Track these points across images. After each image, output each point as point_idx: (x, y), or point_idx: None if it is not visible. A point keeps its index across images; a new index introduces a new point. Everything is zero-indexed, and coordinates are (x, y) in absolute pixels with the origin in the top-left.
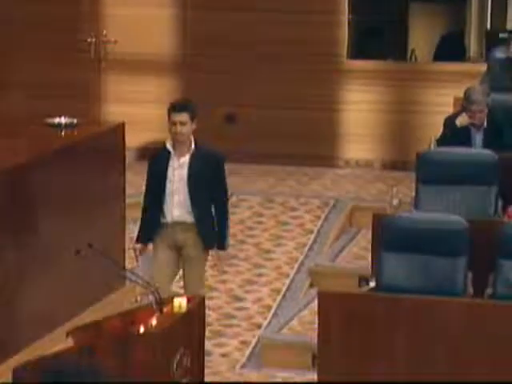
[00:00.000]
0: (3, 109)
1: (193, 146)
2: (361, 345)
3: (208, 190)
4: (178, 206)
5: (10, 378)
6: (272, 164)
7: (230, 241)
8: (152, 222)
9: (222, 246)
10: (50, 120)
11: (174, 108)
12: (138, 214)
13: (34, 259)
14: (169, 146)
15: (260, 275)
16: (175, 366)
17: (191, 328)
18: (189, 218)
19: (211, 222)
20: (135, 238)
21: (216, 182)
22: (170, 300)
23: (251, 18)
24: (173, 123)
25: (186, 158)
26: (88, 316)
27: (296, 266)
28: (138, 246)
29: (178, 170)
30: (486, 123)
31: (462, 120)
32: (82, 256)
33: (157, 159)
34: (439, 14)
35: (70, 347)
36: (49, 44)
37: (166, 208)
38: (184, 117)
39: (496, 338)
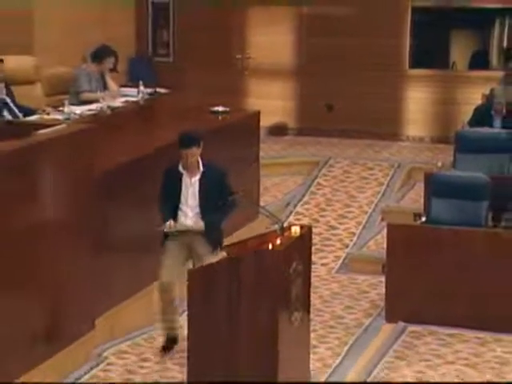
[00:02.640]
0: (183, 102)
1: (201, 166)
2: (415, 258)
3: (216, 200)
4: (191, 217)
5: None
6: (357, 138)
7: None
8: (169, 215)
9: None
10: (212, 108)
11: (183, 144)
12: (268, 171)
13: None
14: (181, 168)
15: (348, 212)
16: (292, 271)
17: (303, 246)
18: (199, 226)
19: (218, 227)
20: (163, 221)
21: (223, 193)
22: (289, 228)
23: (341, 41)
24: (184, 155)
25: (196, 178)
26: (235, 238)
27: (372, 206)
28: (168, 222)
29: (191, 188)
30: (504, 111)
31: None
32: (235, 197)
33: (171, 175)
34: (471, 37)
35: (224, 258)
36: (213, 59)
37: (182, 219)
38: (193, 150)
39: (506, 254)
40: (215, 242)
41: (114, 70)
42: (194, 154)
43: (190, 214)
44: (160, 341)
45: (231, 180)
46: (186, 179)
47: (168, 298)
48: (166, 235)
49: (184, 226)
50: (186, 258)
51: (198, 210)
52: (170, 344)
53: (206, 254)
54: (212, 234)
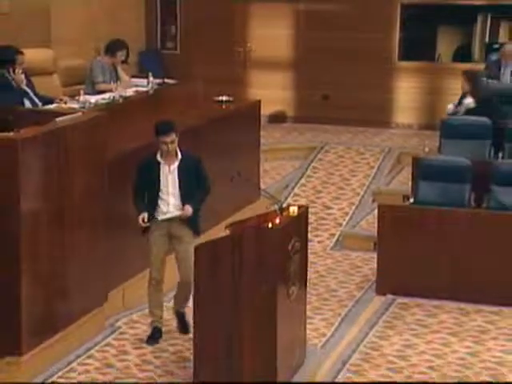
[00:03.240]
0: (190, 91)
1: (179, 154)
2: (403, 236)
3: (194, 186)
4: (174, 204)
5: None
6: (350, 126)
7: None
8: (145, 209)
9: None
10: (216, 98)
11: (163, 131)
12: (268, 155)
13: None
14: (159, 158)
15: (342, 193)
16: (290, 247)
17: (300, 225)
18: (188, 213)
19: (197, 213)
20: (138, 213)
21: (199, 178)
22: (287, 208)
23: (336, 35)
24: (163, 143)
25: (175, 165)
26: (238, 217)
27: (364, 188)
28: (143, 214)
29: (171, 176)
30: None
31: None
32: (236, 180)
33: (147, 167)
34: (456, 32)
35: (228, 235)
36: (217, 52)
37: (163, 207)
38: (172, 136)
39: (487, 232)
40: (197, 227)
41: (125, 61)
42: (174, 140)
43: (171, 202)
44: (166, 315)
45: (233, 164)
46: (164, 167)
47: (158, 295)
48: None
49: (172, 214)
50: (169, 248)
51: (177, 197)
52: (156, 335)
53: (188, 240)
54: (194, 219)
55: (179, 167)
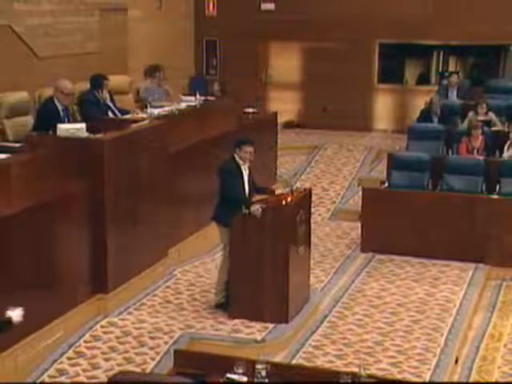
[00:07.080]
0: (226, 106)
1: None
2: (380, 210)
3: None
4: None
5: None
6: (342, 130)
7: None
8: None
9: None
10: (245, 110)
11: (247, 142)
12: (282, 152)
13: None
14: (240, 163)
15: (336, 180)
16: (298, 218)
17: (305, 202)
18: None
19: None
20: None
21: (253, 180)
22: (296, 190)
23: (332, 65)
24: (247, 152)
25: (247, 165)
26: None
27: (352, 176)
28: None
29: (245, 175)
30: (439, 112)
31: None
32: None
33: (233, 168)
34: (418, 63)
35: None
36: (246, 77)
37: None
38: (252, 147)
39: (440, 208)
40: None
41: (164, 77)
42: (252, 150)
43: (247, 195)
44: (209, 268)
45: (258, 158)
46: (242, 168)
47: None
48: (229, 220)
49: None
50: None
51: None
52: (226, 303)
53: None
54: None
55: (248, 169)
